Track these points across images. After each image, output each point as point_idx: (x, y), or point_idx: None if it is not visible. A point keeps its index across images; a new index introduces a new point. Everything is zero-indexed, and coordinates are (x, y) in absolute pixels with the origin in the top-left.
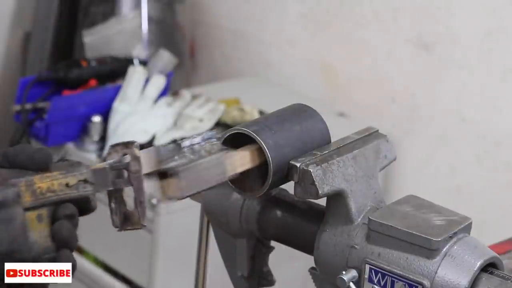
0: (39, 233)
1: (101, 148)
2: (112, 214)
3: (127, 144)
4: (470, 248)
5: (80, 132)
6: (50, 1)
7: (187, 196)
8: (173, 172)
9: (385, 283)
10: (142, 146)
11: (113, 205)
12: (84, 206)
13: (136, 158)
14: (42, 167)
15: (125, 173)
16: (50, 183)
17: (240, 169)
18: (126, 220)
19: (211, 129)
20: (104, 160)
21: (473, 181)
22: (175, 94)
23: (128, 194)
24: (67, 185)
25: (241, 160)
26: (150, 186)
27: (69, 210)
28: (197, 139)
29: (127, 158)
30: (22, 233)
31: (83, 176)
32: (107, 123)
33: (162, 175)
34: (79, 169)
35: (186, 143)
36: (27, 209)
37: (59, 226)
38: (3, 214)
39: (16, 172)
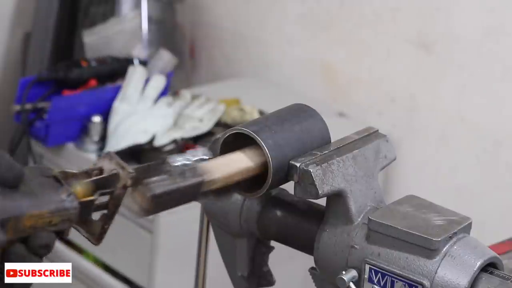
0: None
1: (101, 148)
2: None
3: (123, 168)
4: (470, 248)
5: (80, 132)
6: (50, 1)
7: (155, 213)
8: (150, 195)
9: (385, 283)
10: (141, 146)
11: None
12: (57, 234)
13: (125, 188)
14: (10, 186)
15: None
16: (35, 221)
17: (222, 184)
18: (84, 223)
19: (212, 131)
20: (92, 167)
21: (473, 181)
22: (175, 94)
23: None
24: (49, 222)
25: (222, 175)
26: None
27: (43, 241)
28: (188, 158)
29: (116, 181)
30: None
31: (69, 216)
32: (107, 123)
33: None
34: (66, 205)
35: (176, 162)
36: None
37: (10, 255)
38: None
39: None
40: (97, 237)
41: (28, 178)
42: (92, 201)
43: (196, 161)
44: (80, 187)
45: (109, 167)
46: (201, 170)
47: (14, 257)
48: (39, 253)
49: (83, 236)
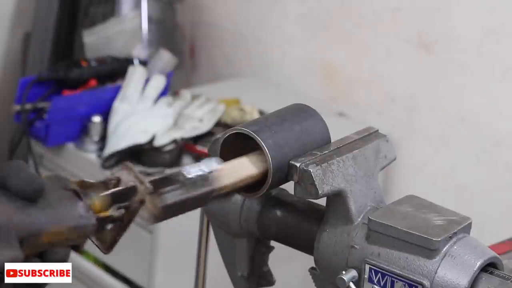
0: None
1: (101, 148)
2: None
3: (142, 182)
4: (470, 248)
5: (80, 132)
6: (50, 1)
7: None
8: (162, 205)
9: (385, 283)
10: (141, 146)
11: None
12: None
13: (142, 202)
14: (30, 199)
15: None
16: (53, 238)
17: (229, 190)
18: (96, 232)
19: (212, 131)
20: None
21: (473, 181)
22: (175, 94)
23: None
24: (67, 239)
25: (231, 181)
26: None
27: (59, 257)
28: (202, 169)
29: (133, 195)
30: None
31: (86, 233)
32: (107, 123)
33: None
34: (84, 222)
35: (190, 173)
36: None
37: None
38: None
39: (9, 203)
40: (108, 246)
41: (48, 191)
42: (109, 216)
43: (210, 172)
44: (97, 201)
45: (126, 178)
46: (211, 179)
47: None
48: None
49: (93, 243)
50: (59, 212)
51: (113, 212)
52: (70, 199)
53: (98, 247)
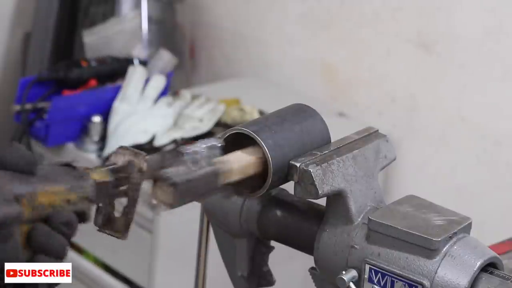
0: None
1: (101, 148)
2: (96, 212)
3: (136, 154)
4: (470, 248)
5: (80, 132)
6: (50, 1)
7: (179, 205)
8: (171, 183)
9: (385, 283)
10: (141, 146)
11: (100, 204)
12: (79, 217)
13: (141, 171)
14: (25, 171)
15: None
16: (52, 199)
17: (237, 177)
18: (108, 223)
19: (212, 131)
20: (107, 159)
21: (473, 181)
22: (175, 94)
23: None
24: (68, 201)
25: (238, 166)
26: (144, 192)
27: (64, 218)
28: (200, 146)
29: (132, 169)
30: (15, 249)
31: (86, 194)
32: (107, 123)
33: (158, 181)
34: (81, 183)
35: (188, 150)
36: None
37: (34, 231)
38: (2, 233)
39: (7, 175)
40: (123, 231)
41: (45, 167)
42: (107, 182)
43: (209, 147)
44: (96, 174)
45: (123, 159)
46: (215, 159)
47: (40, 234)
48: (62, 231)
49: (110, 235)
50: (55, 177)
51: (111, 179)
52: (67, 170)
53: (115, 237)
